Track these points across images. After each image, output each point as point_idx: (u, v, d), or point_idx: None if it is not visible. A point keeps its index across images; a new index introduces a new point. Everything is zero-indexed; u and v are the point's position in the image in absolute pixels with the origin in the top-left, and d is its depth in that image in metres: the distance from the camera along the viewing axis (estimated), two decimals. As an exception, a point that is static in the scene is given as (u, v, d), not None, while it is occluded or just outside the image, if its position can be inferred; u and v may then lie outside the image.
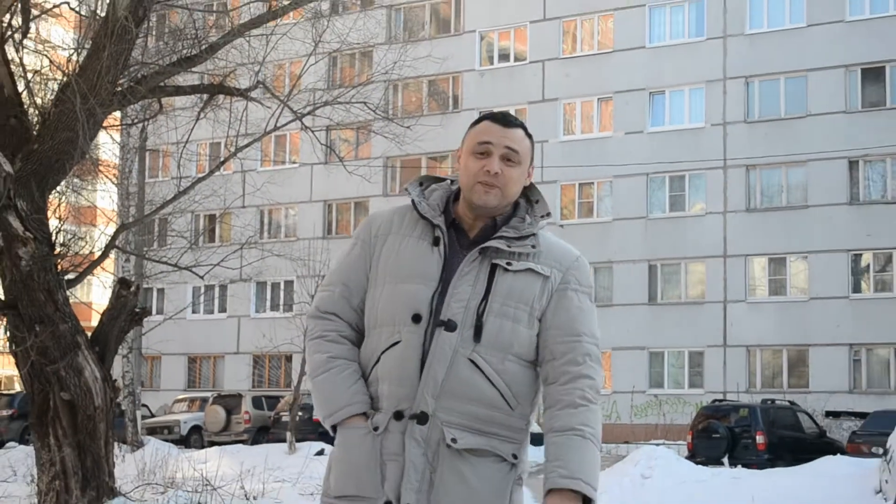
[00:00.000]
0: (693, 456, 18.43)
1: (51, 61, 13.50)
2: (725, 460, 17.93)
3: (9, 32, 10.24)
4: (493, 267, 2.18)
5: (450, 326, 2.14)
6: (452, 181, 2.35)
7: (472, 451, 2.13)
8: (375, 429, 2.17)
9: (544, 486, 2.09)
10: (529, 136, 2.29)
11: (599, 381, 2.21)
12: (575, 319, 2.21)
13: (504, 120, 2.27)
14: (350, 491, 2.19)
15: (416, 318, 2.16)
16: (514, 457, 2.20)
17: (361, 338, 2.30)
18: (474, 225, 2.26)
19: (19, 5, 10.22)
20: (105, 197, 27.78)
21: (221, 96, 12.16)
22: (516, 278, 2.19)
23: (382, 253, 2.27)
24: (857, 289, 27.00)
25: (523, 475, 2.23)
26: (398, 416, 2.14)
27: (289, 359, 31.34)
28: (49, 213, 10.98)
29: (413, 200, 2.28)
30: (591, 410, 2.15)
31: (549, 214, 2.31)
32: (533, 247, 2.22)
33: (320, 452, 17.12)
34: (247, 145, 13.26)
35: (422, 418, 2.12)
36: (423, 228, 2.25)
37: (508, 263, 2.18)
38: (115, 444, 11.28)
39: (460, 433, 2.13)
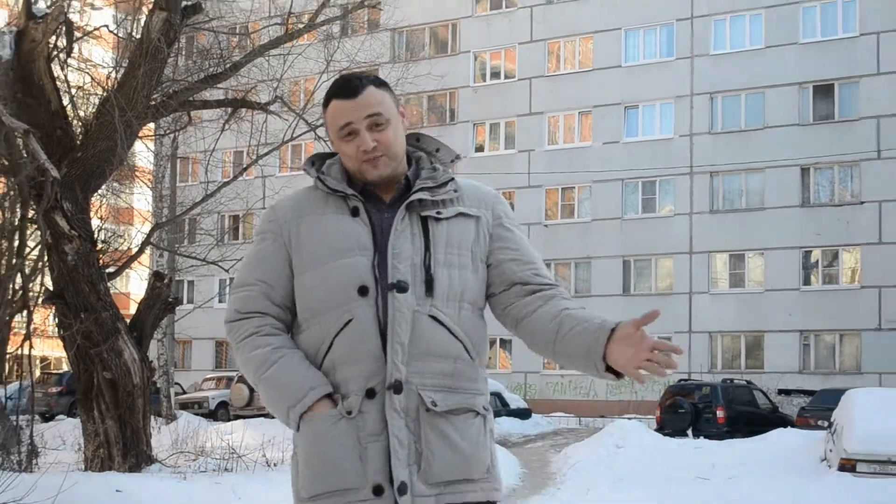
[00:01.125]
0: (661, 428, 18.49)
1: (92, 78, 13.47)
2: (689, 432, 18.01)
3: (55, 52, 10.24)
4: (424, 220, 1.89)
5: (401, 288, 1.83)
6: None
7: (452, 411, 1.86)
8: (349, 413, 1.82)
9: (608, 326, 1.78)
10: (382, 84, 1.96)
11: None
12: (523, 250, 1.99)
13: (348, 90, 1.91)
14: (330, 486, 1.83)
15: (363, 291, 1.84)
16: (485, 409, 1.94)
17: (289, 332, 1.97)
18: (387, 191, 1.94)
19: (64, 28, 10.20)
20: (141, 199, 27.74)
21: (244, 110, 12.18)
22: (450, 224, 1.91)
23: (300, 238, 1.92)
24: (807, 282, 27.05)
25: (493, 426, 1.98)
26: (370, 393, 1.82)
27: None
28: (91, 214, 11.00)
29: (316, 178, 1.95)
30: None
31: (458, 156, 2.05)
32: (455, 191, 1.94)
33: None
34: (266, 153, 13.28)
35: (397, 387, 1.81)
36: (336, 203, 1.92)
37: (438, 213, 1.90)
38: (152, 417, 11.28)
39: (437, 395, 1.84)
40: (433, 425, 1.83)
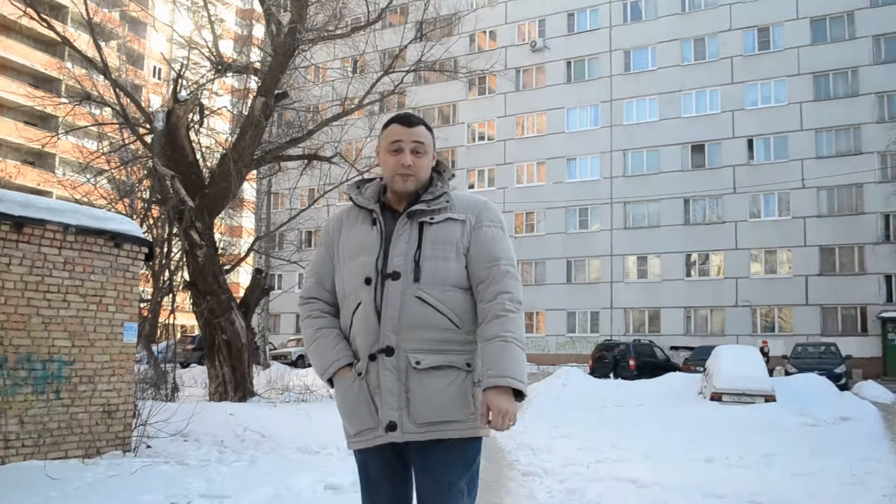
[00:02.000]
0: (593, 372, 18.45)
1: (215, 141, 13.49)
2: (611, 375, 17.97)
3: (191, 124, 10.29)
4: (421, 225, 1.76)
5: (394, 276, 1.72)
6: (381, 178, 1.89)
7: (435, 367, 1.70)
8: (359, 374, 1.74)
9: (482, 387, 1.68)
10: (430, 129, 1.85)
11: (517, 293, 1.75)
12: (491, 247, 1.77)
13: (407, 120, 1.81)
14: (358, 427, 1.76)
15: (368, 281, 1.74)
16: (468, 365, 1.75)
17: (338, 310, 1.86)
18: (401, 203, 1.82)
19: (198, 108, 10.24)
20: (247, 220, 27.80)
21: (315, 161, 12.17)
22: (440, 227, 1.76)
23: (340, 244, 1.85)
24: (688, 275, 26.94)
25: (480, 379, 1.74)
26: (372, 357, 1.72)
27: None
28: (214, 230, 11.05)
29: (351, 198, 1.86)
30: (511, 319, 1.71)
31: (454, 176, 1.89)
32: (447, 202, 1.79)
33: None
34: (329, 190, 13.25)
35: (388, 351, 1.70)
36: (364, 216, 1.82)
37: (431, 218, 1.76)
38: (253, 366, 11.32)
39: (422, 356, 1.70)
40: (417, 379, 1.70)
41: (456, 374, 1.73)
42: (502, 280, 1.74)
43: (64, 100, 14.10)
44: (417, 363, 1.70)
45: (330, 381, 1.81)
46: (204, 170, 10.68)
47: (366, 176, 1.85)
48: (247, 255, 13.17)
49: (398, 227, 1.77)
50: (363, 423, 1.75)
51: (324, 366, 1.79)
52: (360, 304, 1.75)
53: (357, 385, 1.75)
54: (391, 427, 1.69)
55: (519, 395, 1.67)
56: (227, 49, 21.70)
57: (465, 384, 1.74)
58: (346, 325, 1.81)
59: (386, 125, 1.84)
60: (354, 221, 1.84)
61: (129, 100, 10.70)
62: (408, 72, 12.50)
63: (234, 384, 9.83)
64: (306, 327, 1.87)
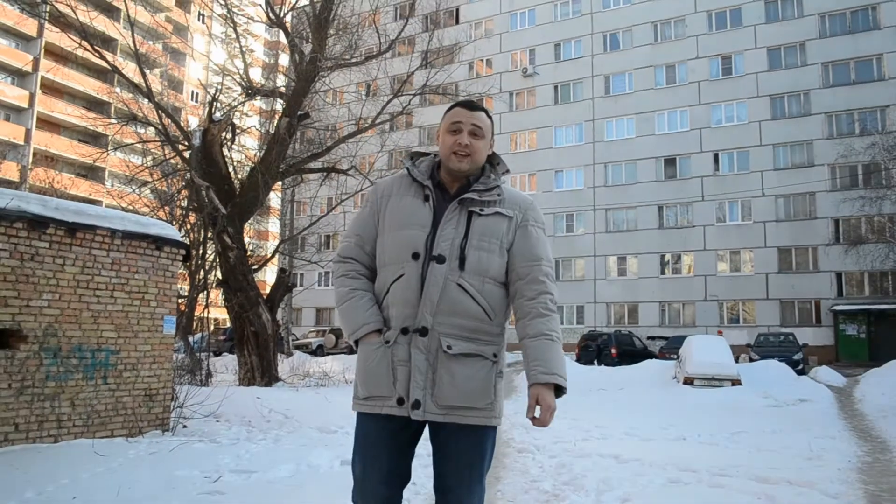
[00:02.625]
0: (579, 360, 18.44)
1: (245, 156, 13.46)
2: (595, 362, 17.91)
3: (225, 141, 10.26)
4: (470, 213, 1.60)
5: (440, 260, 1.55)
6: (435, 155, 1.73)
7: (464, 354, 1.55)
8: (387, 342, 1.57)
9: (528, 381, 1.53)
10: (490, 117, 1.69)
11: (556, 295, 1.65)
12: (535, 247, 1.63)
13: (470, 105, 1.67)
14: (371, 392, 1.58)
15: (415, 256, 1.56)
16: (495, 356, 1.60)
17: (374, 275, 1.66)
18: (453, 185, 1.65)
19: (230, 127, 10.21)
20: (273, 225, 27.79)
21: (333, 174, 12.14)
22: (488, 220, 1.60)
23: (387, 210, 1.64)
24: (663, 273, 26.80)
25: (503, 370, 1.63)
26: (404, 331, 1.55)
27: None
28: (244, 234, 11.01)
29: (407, 168, 1.68)
30: (554, 318, 1.59)
31: (508, 171, 1.71)
32: (499, 195, 1.64)
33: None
34: (345, 199, 13.22)
35: (423, 332, 1.54)
36: (416, 189, 1.64)
37: (481, 210, 1.60)
38: (278, 354, 11.28)
39: (454, 341, 1.54)
40: (445, 363, 1.54)
41: (483, 363, 1.57)
42: (544, 281, 1.61)
43: (113, 120, 14.08)
44: (449, 347, 1.54)
45: (356, 343, 1.63)
46: (235, 181, 10.65)
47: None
48: (273, 256, 13.13)
49: (448, 212, 1.59)
50: (378, 389, 1.56)
51: (354, 326, 1.60)
52: (401, 275, 1.57)
53: (381, 352, 1.57)
54: (416, 405, 1.52)
55: (559, 391, 1.54)
56: (256, 75, 21.71)
57: (490, 374, 1.58)
58: (381, 292, 1.62)
59: (449, 108, 1.69)
60: (406, 192, 1.65)
61: (169, 120, 10.68)
62: (415, 95, 12.46)
63: (260, 371, 9.78)
64: (341, 286, 1.65)
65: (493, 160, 1.71)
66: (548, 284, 1.62)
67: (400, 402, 1.53)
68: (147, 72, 10.63)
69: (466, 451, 1.57)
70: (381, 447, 1.58)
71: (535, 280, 1.61)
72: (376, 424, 1.58)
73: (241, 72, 10.94)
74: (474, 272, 1.57)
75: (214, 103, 9.95)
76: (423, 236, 1.57)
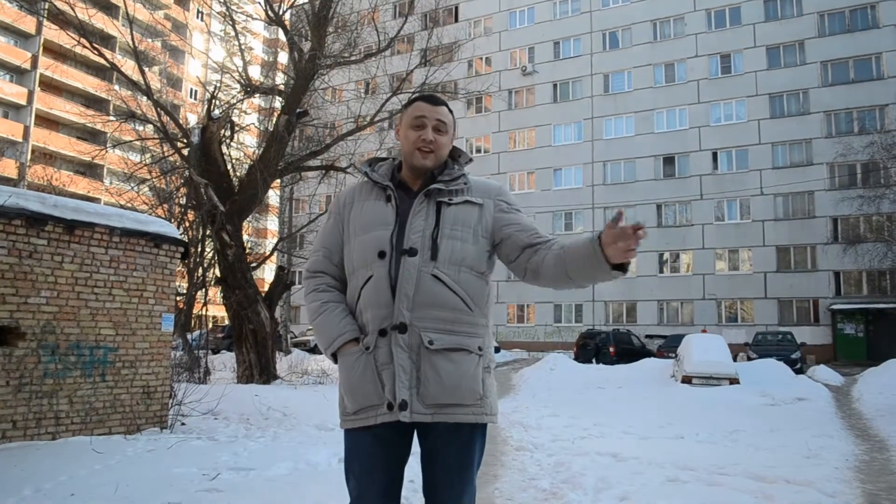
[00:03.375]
0: (577, 358, 18.40)
1: (244, 153, 13.42)
2: (594, 361, 17.90)
3: (223, 139, 10.23)
4: (439, 204, 1.55)
5: (411, 253, 1.49)
6: (394, 158, 1.69)
7: (447, 349, 1.48)
8: (367, 348, 1.49)
9: (595, 234, 1.46)
10: (451, 111, 1.64)
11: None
12: (522, 223, 1.59)
13: (432, 99, 1.60)
14: (361, 403, 1.49)
15: (382, 255, 1.50)
16: (480, 349, 1.52)
17: (345, 286, 1.60)
18: (416, 182, 1.60)
19: (229, 124, 10.18)
20: (272, 223, 27.75)
21: (332, 172, 12.11)
22: (458, 209, 1.55)
23: (351, 217, 1.60)
24: (661, 271, 26.82)
25: (491, 364, 1.57)
26: (382, 333, 1.48)
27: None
28: (243, 232, 10.98)
29: (366, 173, 1.64)
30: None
31: (471, 160, 1.65)
32: (465, 184, 1.59)
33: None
34: (345, 197, 13.17)
35: (401, 328, 1.46)
36: (377, 192, 1.59)
37: (449, 199, 1.55)
38: (276, 352, 11.23)
39: (435, 335, 1.47)
40: (430, 359, 1.46)
41: (468, 357, 1.50)
42: (550, 237, 1.57)
43: (111, 118, 14.04)
44: (430, 342, 1.46)
45: (334, 358, 1.55)
46: (234, 179, 10.62)
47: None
48: (271, 254, 13.11)
49: (415, 205, 1.54)
50: (367, 400, 1.48)
51: (329, 339, 1.53)
52: (370, 277, 1.51)
53: (364, 360, 1.49)
54: (402, 406, 1.45)
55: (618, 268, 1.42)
56: (255, 73, 21.64)
57: (477, 368, 1.51)
58: (353, 298, 1.55)
59: (410, 102, 1.62)
60: (367, 196, 1.60)
61: (168, 118, 10.64)
62: (414, 93, 12.42)
63: (259, 368, 9.76)
64: (312, 301, 1.60)
65: (454, 153, 1.66)
66: (555, 238, 1.57)
67: (389, 406, 1.46)
68: (146, 69, 10.59)
69: (455, 455, 1.51)
70: (377, 460, 1.50)
71: (543, 239, 1.57)
72: (370, 438, 1.50)
73: (240, 69, 10.91)
74: (448, 262, 1.51)
75: (213, 101, 9.92)
76: (388, 234, 1.52)
